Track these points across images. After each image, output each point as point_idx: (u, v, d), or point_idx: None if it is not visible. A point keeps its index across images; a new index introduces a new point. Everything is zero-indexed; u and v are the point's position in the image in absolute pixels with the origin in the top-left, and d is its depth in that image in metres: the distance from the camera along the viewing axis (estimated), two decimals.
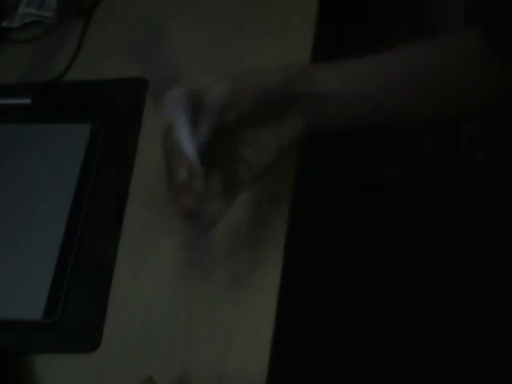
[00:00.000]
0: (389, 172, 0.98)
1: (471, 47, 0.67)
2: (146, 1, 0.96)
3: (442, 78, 0.68)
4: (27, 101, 0.86)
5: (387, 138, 0.99)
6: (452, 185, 0.89)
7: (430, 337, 0.84)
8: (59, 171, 0.80)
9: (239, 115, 0.62)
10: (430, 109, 0.69)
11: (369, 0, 1.33)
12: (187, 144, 0.58)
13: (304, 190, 0.78)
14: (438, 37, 0.68)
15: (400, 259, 0.86)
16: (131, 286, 0.72)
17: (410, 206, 0.89)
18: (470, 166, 0.88)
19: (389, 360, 0.85)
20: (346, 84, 0.66)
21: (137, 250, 0.74)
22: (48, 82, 0.88)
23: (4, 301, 0.72)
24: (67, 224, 0.75)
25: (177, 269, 0.72)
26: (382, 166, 1.00)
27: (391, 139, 0.97)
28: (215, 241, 0.73)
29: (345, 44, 1.32)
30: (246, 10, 0.91)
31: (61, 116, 0.86)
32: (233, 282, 0.71)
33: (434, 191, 0.89)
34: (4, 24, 0.94)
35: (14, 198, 0.79)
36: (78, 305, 0.71)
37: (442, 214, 0.88)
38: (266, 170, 0.65)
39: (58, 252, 0.73)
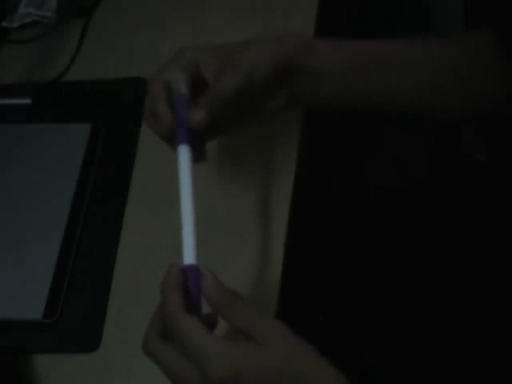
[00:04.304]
0: (389, 172, 0.98)
1: (482, 48, 0.66)
2: (145, 1, 0.96)
3: (446, 75, 0.67)
4: (27, 101, 0.86)
5: (387, 137, 0.99)
6: (452, 185, 0.89)
7: (431, 337, 0.84)
8: (59, 171, 0.80)
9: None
10: (431, 104, 0.68)
11: (369, 0, 1.33)
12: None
13: (304, 190, 0.78)
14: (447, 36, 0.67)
15: (400, 259, 0.86)
16: (131, 285, 0.72)
17: (410, 206, 0.89)
18: (470, 166, 0.88)
19: (390, 360, 0.85)
20: (347, 61, 0.66)
21: (137, 250, 0.74)
22: (48, 82, 0.88)
23: (4, 301, 0.71)
24: (67, 224, 0.75)
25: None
26: (382, 167, 1.00)
27: (391, 139, 0.97)
28: (215, 241, 0.73)
29: None
30: (245, 11, 0.91)
31: (61, 116, 0.86)
32: (233, 281, 0.71)
33: (434, 191, 0.89)
34: (4, 24, 0.94)
35: (14, 198, 0.79)
36: (78, 305, 0.71)
37: (443, 214, 0.88)
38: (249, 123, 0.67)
39: (57, 252, 0.73)
